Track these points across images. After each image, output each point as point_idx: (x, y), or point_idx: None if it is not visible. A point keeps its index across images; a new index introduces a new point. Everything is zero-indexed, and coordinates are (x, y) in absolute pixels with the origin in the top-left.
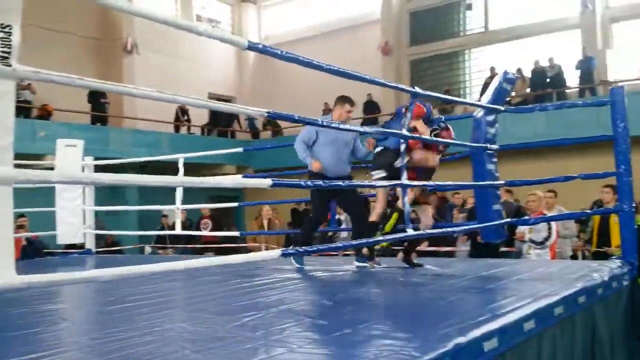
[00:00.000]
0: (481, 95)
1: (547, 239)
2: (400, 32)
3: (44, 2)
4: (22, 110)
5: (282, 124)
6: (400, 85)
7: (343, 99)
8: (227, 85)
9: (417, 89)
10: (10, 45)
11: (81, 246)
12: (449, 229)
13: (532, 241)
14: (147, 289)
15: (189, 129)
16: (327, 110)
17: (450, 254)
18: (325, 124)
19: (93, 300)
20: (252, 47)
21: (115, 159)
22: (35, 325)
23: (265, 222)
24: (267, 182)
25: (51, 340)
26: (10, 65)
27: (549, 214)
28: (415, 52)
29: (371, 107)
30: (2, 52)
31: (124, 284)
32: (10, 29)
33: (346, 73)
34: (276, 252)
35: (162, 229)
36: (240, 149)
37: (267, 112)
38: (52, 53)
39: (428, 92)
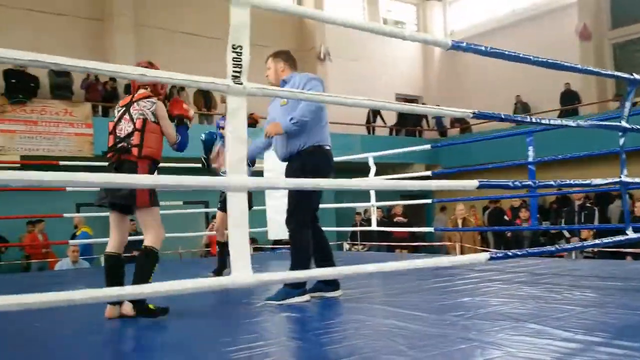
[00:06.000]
0: None
1: None
2: (600, 14)
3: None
4: None
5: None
6: (610, 72)
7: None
8: (413, 85)
9: (636, 76)
10: (240, 65)
11: (287, 242)
12: None
13: None
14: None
15: (373, 130)
16: (519, 103)
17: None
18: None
19: None
20: (455, 46)
21: None
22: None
23: (459, 222)
24: (473, 183)
25: None
26: (241, 84)
27: None
28: (618, 35)
29: (570, 98)
30: (234, 71)
31: None
32: (241, 49)
33: (553, 63)
34: (483, 256)
35: (355, 226)
36: (428, 146)
37: (472, 113)
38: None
39: None
